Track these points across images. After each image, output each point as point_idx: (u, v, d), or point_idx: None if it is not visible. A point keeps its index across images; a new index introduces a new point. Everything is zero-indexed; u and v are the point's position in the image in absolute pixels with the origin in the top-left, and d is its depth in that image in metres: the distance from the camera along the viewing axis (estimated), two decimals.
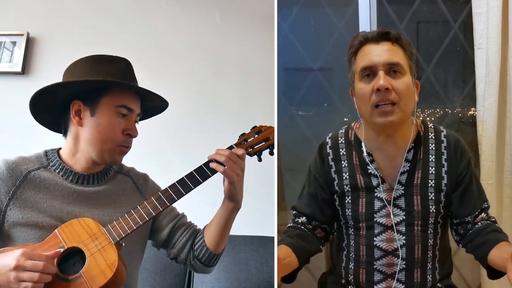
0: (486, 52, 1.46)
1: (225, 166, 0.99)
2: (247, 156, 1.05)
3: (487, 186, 1.43)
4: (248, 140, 1.07)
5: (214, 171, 1.01)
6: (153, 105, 1.12)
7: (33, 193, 0.97)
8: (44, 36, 1.95)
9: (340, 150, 1.10)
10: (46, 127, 1.10)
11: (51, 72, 1.85)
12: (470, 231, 1.06)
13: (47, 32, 1.95)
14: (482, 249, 1.01)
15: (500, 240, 0.99)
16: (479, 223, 1.05)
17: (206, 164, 1.02)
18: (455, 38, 1.66)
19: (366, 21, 1.66)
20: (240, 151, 1.02)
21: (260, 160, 1.07)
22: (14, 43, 1.93)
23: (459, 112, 1.69)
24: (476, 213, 1.05)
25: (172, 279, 1.53)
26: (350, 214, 1.06)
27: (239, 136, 1.09)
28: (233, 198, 1.03)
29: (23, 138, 1.85)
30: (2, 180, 0.96)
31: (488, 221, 1.06)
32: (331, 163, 1.10)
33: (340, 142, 1.11)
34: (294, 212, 1.15)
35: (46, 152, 1.06)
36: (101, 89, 1.01)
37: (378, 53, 0.98)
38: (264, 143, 1.07)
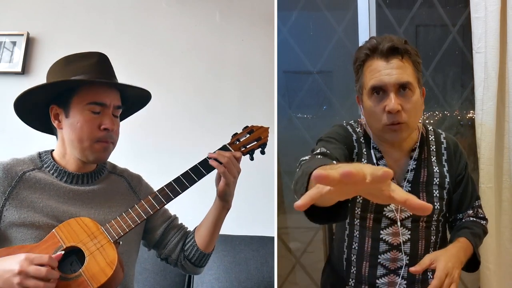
0: (485, 56, 1.47)
1: (225, 168, 1.01)
2: (242, 157, 1.07)
3: (486, 189, 1.44)
4: (241, 140, 1.10)
5: (209, 170, 1.03)
6: (134, 95, 1.08)
7: (29, 193, 0.97)
8: (44, 36, 1.95)
9: (360, 136, 1.09)
10: (40, 131, 1.09)
11: None
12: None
13: (47, 32, 1.95)
14: None
15: (459, 237, 1.03)
16: (463, 220, 1.11)
17: (201, 163, 1.04)
18: (453, 42, 1.67)
19: (365, 25, 1.67)
20: (238, 154, 1.05)
21: (252, 159, 1.10)
22: (14, 43, 1.92)
23: (457, 115, 1.70)
24: (467, 211, 1.12)
25: (172, 279, 1.52)
26: (360, 201, 1.07)
27: (232, 136, 1.11)
28: (225, 198, 1.06)
29: (23, 138, 1.83)
30: None
31: (471, 218, 1.11)
32: (355, 143, 1.07)
33: (358, 130, 1.10)
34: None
35: (39, 154, 1.06)
36: (71, 90, 1.00)
37: (388, 72, 0.96)
38: (255, 142, 1.10)
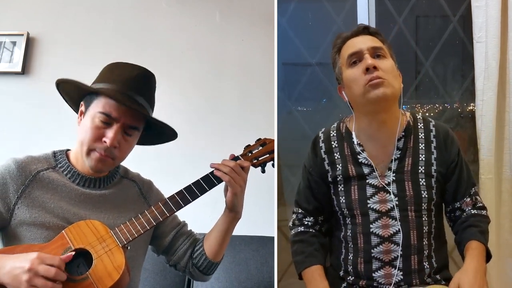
0: (485, 46, 1.46)
1: (229, 176, 1.02)
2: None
3: (486, 180, 1.44)
4: (253, 152, 1.11)
5: (220, 180, 1.04)
6: (156, 122, 1.08)
7: (41, 193, 0.98)
8: (44, 36, 1.95)
9: (332, 142, 1.13)
10: None
11: (51, 72, 1.86)
12: (456, 222, 1.12)
13: (47, 32, 1.95)
14: (460, 249, 1.08)
15: (469, 239, 1.05)
16: (465, 212, 1.11)
17: (213, 172, 1.05)
18: (454, 32, 1.65)
19: (365, 15, 1.65)
20: (245, 163, 1.05)
21: (263, 171, 1.10)
22: (14, 43, 1.93)
23: (458, 107, 1.69)
24: (464, 198, 1.11)
25: (172, 279, 1.54)
26: (343, 201, 1.09)
27: (244, 148, 1.11)
28: (234, 209, 1.06)
29: (23, 138, 1.86)
30: (12, 178, 0.97)
31: (472, 211, 1.10)
32: (324, 156, 1.13)
33: (332, 135, 1.15)
34: (299, 210, 1.18)
35: (54, 153, 1.06)
36: (95, 93, 1.01)
37: (362, 40, 1.07)
38: (268, 155, 1.11)
